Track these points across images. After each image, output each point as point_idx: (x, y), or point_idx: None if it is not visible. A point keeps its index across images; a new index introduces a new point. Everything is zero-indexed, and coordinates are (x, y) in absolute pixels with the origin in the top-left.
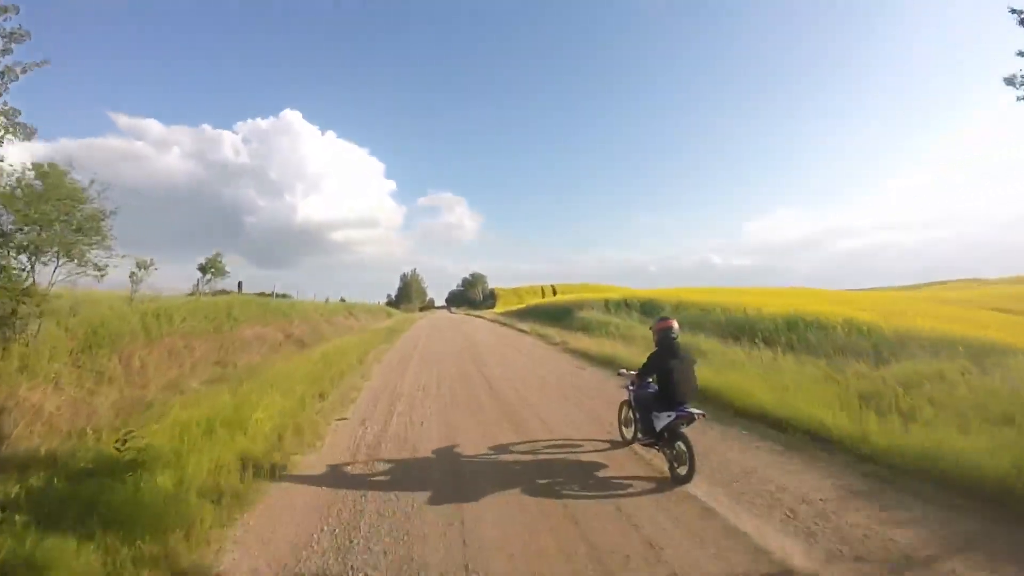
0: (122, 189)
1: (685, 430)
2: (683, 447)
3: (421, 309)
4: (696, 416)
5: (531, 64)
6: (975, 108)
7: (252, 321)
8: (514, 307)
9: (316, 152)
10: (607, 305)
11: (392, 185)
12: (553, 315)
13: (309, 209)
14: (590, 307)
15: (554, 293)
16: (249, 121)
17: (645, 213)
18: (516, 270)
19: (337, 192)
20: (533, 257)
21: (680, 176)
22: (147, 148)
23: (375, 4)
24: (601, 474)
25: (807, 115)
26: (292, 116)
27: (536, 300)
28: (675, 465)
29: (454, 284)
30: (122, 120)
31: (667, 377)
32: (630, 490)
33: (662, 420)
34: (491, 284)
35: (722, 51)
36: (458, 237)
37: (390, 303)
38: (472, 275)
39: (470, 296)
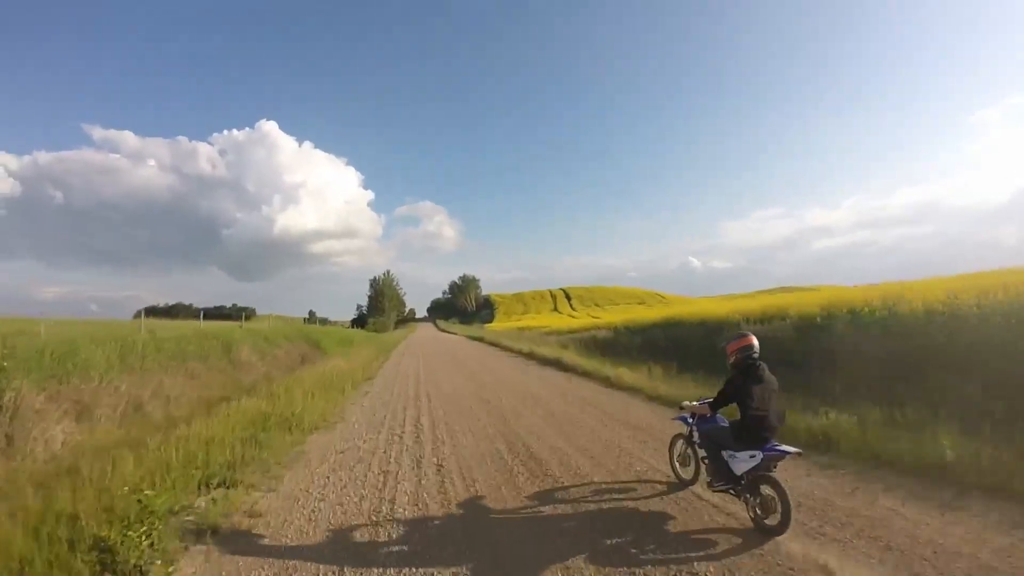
0: (99, 203)
1: (774, 472)
2: (772, 493)
3: (399, 323)
4: (789, 455)
5: (508, 72)
6: (954, 107)
7: None
8: (531, 324)
9: (293, 163)
10: None
11: (371, 195)
12: None
13: (287, 220)
14: None
15: (568, 299)
16: (225, 132)
17: (624, 218)
18: (496, 279)
19: (315, 203)
20: (513, 265)
21: (658, 180)
22: (123, 161)
23: (351, 14)
24: (672, 528)
25: (785, 115)
26: (268, 127)
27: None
28: (760, 513)
29: (436, 293)
30: (97, 132)
31: (749, 408)
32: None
33: (744, 462)
34: (484, 290)
35: (699, 55)
36: (439, 246)
37: (360, 317)
38: (462, 278)
39: (459, 305)
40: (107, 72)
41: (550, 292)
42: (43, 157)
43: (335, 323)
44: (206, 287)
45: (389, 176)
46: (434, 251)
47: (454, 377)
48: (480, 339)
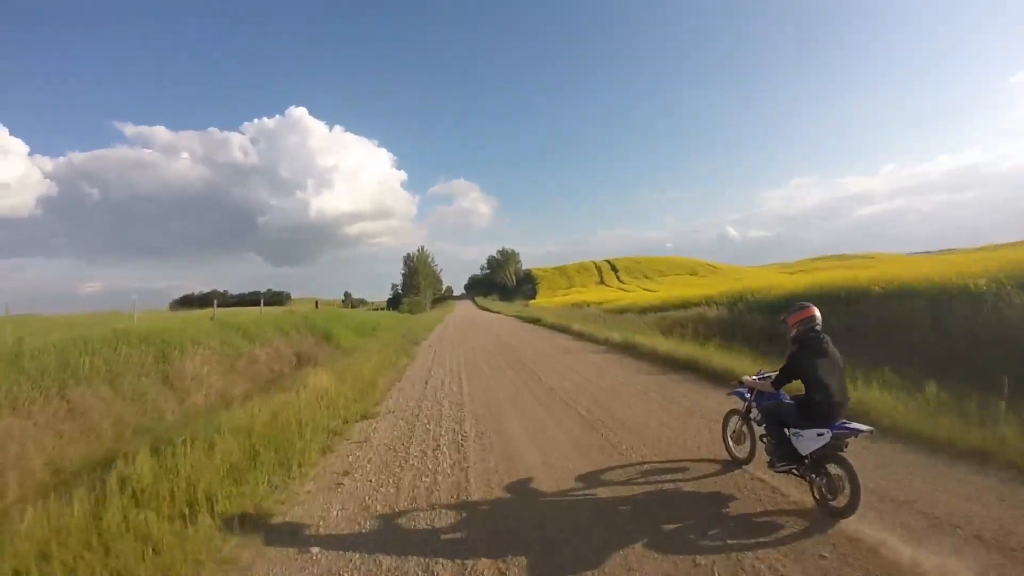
0: (135, 198)
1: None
2: (841, 472)
3: (435, 302)
4: (861, 433)
5: (538, 44)
6: (989, 70)
7: None
8: (585, 299)
9: (325, 147)
10: None
11: (404, 175)
12: None
13: (321, 204)
14: None
15: (614, 271)
16: (256, 121)
17: (659, 189)
18: (532, 253)
19: (349, 186)
20: (548, 240)
21: (693, 152)
22: (156, 155)
23: None
24: (734, 511)
25: (822, 82)
26: (298, 113)
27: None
28: (826, 494)
29: (472, 271)
30: (129, 129)
31: (814, 384)
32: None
33: (811, 441)
34: (524, 264)
35: (732, 25)
36: (473, 223)
37: (395, 296)
38: (501, 252)
39: (498, 280)
40: (136, 69)
41: (595, 264)
42: (77, 157)
43: (371, 304)
44: (245, 273)
45: (422, 156)
46: (469, 228)
47: (551, 441)
48: (536, 321)
